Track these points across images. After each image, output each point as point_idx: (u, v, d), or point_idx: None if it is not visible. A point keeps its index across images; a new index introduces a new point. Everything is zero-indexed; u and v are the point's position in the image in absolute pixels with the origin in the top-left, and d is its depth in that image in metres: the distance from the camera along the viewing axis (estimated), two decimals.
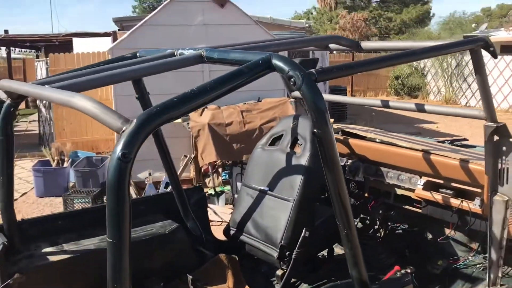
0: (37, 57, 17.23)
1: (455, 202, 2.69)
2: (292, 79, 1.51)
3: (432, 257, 3.03)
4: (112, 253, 1.23)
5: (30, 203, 6.95)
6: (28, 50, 21.00)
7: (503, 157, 2.32)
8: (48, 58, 9.73)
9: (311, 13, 35.49)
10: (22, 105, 15.94)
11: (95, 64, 2.20)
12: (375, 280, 2.53)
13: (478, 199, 2.58)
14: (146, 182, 6.36)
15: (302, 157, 2.78)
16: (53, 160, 7.51)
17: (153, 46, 2.71)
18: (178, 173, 4.57)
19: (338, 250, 3.39)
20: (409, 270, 2.62)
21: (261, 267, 3.09)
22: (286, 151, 2.90)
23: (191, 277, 2.71)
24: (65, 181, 7.28)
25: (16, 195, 6.97)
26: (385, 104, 2.77)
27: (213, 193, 6.42)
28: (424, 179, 2.86)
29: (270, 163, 2.94)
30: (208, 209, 3.34)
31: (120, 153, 1.18)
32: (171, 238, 2.76)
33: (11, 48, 17.90)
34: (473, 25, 26.10)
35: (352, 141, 3.21)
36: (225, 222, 5.57)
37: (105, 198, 6.30)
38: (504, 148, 2.31)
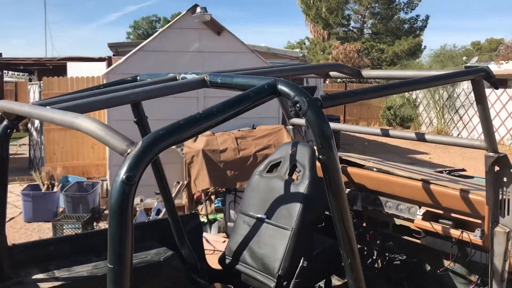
0: (30, 80, 17.19)
1: (455, 233, 2.66)
2: (298, 105, 1.49)
3: None
4: (112, 280, 1.18)
5: (18, 228, 6.80)
6: (21, 73, 20.97)
7: (504, 188, 2.30)
8: (41, 82, 9.69)
9: (304, 43, 36.00)
10: None
11: (94, 87, 2.17)
12: None
13: (479, 230, 2.55)
14: (137, 209, 6.28)
15: (301, 185, 2.75)
16: (43, 184, 7.40)
17: (149, 72, 2.71)
18: None
19: (335, 281, 3.33)
20: None
21: None
22: (285, 178, 2.86)
23: None
24: (54, 206, 7.16)
25: None
26: (385, 133, 2.77)
27: (205, 221, 6.34)
28: (423, 209, 2.83)
29: (268, 190, 2.90)
30: None
31: (124, 176, 1.14)
32: (166, 266, 2.69)
33: (3, 71, 17.85)
34: (464, 58, 26.60)
35: (350, 169, 3.18)
36: (218, 251, 5.48)
37: (95, 224, 6.18)
38: (505, 178, 2.30)
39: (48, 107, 1.51)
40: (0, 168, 2.07)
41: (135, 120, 2.59)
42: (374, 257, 3.26)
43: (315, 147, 2.68)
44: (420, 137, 2.58)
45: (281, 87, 1.53)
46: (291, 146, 2.98)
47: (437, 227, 2.72)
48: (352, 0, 30.39)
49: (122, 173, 1.15)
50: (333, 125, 1.59)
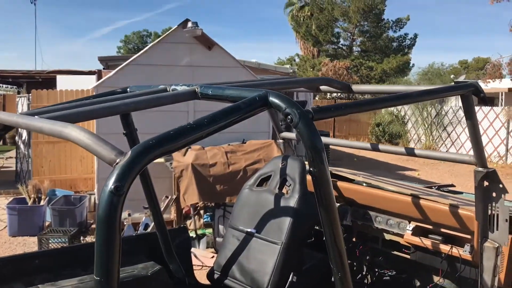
0: (19, 93, 17.08)
1: (444, 248, 2.66)
2: (289, 117, 1.48)
3: None
4: None
5: (2, 242, 6.68)
6: (9, 86, 20.82)
7: (493, 203, 2.31)
8: (30, 94, 9.63)
9: (294, 60, 36.26)
10: None
11: (83, 98, 2.15)
12: None
13: (468, 245, 2.55)
14: (125, 223, 6.20)
15: (291, 199, 2.74)
16: (29, 198, 7.29)
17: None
18: None
19: None
20: None
21: None
22: (275, 192, 2.85)
23: None
24: (40, 220, 7.05)
25: None
26: (375, 147, 2.77)
27: (194, 236, 6.28)
28: (413, 224, 2.82)
29: (258, 204, 2.89)
30: None
31: (112, 186, 1.12)
32: (154, 280, 2.64)
33: None
34: (452, 76, 26.94)
35: (340, 184, 3.18)
36: (206, 266, 5.42)
37: (82, 238, 6.08)
38: (494, 193, 2.30)
39: (36, 116, 1.49)
40: None
41: (124, 132, 2.57)
42: (364, 273, 3.24)
43: (306, 162, 2.67)
44: (410, 152, 2.59)
45: (272, 99, 1.53)
46: (282, 160, 2.97)
47: (427, 242, 2.72)
48: (341, 18, 30.77)
49: (111, 183, 1.13)
50: (323, 139, 1.58)
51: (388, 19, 30.92)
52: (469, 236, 2.56)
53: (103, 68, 11.46)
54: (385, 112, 20.72)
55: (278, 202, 2.79)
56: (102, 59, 11.91)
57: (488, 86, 16.76)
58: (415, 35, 31.75)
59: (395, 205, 2.88)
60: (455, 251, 2.60)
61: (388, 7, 30.67)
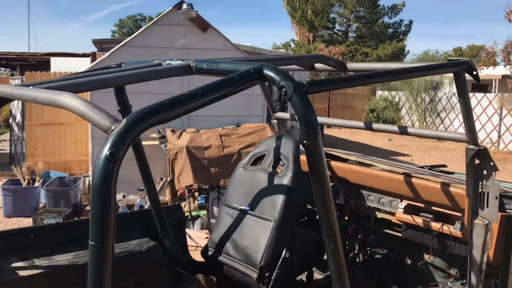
0: (12, 75, 16.95)
1: (435, 225, 2.69)
2: (284, 89, 1.49)
3: (411, 283, 3.01)
4: (94, 257, 1.17)
5: None
6: (2, 68, 20.66)
7: (484, 181, 2.34)
8: (23, 76, 9.56)
9: (290, 45, 36.11)
10: None
11: (77, 73, 2.15)
12: None
13: (459, 223, 2.59)
14: (119, 205, 6.23)
15: (284, 177, 2.76)
16: (24, 179, 7.30)
17: None
18: None
19: (317, 275, 3.35)
20: None
21: None
22: (268, 171, 2.87)
23: None
24: (35, 201, 7.07)
25: None
26: (368, 126, 2.79)
27: (188, 217, 6.31)
28: (405, 203, 2.86)
29: (252, 182, 2.91)
30: None
31: (108, 152, 1.13)
32: (148, 256, 2.67)
33: None
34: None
35: (333, 163, 3.20)
36: (200, 246, 5.46)
37: (76, 219, 6.11)
38: (485, 171, 2.33)
39: (30, 87, 1.49)
40: None
41: (119, 109, 2.57)
42: (356, 251, 3.29)
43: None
44: (403, 130, 2.61)
45: (267, 72, 1.53)
46: (275, 139, 2.99)
47: (418, 220, 2.76)
48: (337, 3, 30.60)
49: (106, 150, 1.14)
50: (318, 118, 1.59)
51: (383, 5, 30.88)
52: (459, 214, 2.59)
53: (97, 51, 11.39)
54: (380, 98, 20.79)
55: (271, 180, 2.81)
56: (96, 42, 11.82)
57: (482, 72, 16.80)
58: (410, 22, 31.69)
59: (387, 184, 2.91)
60: (446, 228, 2.63)
61: None
